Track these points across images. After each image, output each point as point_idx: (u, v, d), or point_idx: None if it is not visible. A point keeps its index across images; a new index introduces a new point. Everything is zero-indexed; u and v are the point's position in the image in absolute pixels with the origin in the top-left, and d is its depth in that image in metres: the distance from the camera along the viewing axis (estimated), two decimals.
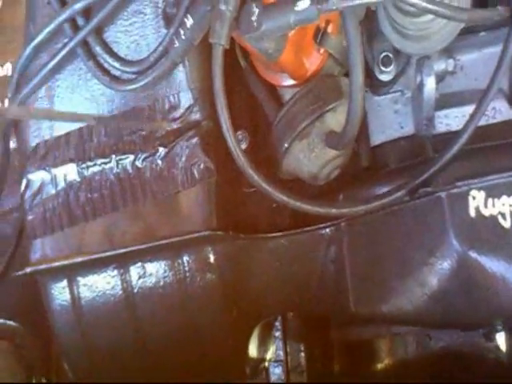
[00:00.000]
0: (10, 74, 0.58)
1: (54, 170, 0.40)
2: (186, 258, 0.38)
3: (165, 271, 0.39)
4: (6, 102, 0.57)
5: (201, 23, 0.38)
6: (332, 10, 0.33)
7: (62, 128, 0.41)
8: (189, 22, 0.38)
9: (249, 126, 0.45)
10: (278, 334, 0.51)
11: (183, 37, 0.38)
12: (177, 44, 0.38)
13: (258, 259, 0.40)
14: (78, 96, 0.41)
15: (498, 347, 0.57)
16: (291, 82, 0.42)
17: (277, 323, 0.49)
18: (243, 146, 0.44)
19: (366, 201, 0.37)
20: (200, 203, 0.38)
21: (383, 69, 0.45)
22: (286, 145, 0.39)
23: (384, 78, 0.45)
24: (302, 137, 0.39)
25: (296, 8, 0.34)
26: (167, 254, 0.38)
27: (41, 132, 0.41)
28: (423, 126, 0.44)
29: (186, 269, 0.38)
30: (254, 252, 0.40)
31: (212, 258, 0.38)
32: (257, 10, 0.35)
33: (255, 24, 0.35)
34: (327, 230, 0.40)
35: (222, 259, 0.39)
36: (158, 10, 0.40)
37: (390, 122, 0.46)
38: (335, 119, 0.39)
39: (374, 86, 0.46)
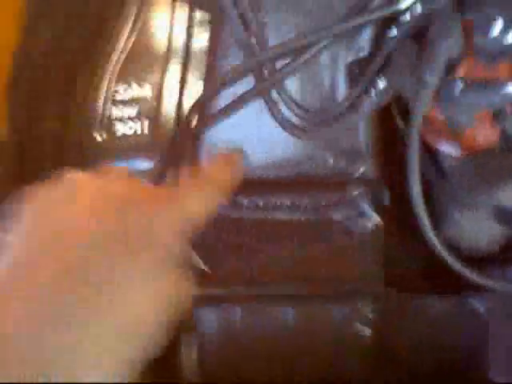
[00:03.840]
0: (149, 94, 0.61)
1: None
2: (345, 310, 0.39)
3: (323, 319, 0.39)
4: (146, 122, 0.60)
5: (393, 86, 0.39)
6: None
7: None
8: (382, 83, 0.39)
9: (394, 184, 0.46)
10: None
11: (373, 97, 0.40)
12: (367, 102, 0.40)
13: (407, 321, 0.41)
14: (252, 137, 0.43)
15: None
16: (458, 151, 0.43)
17: None
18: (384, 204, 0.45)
19: None
20: (368, 259, 0.39)
21: None
22: (454, 213, 0.40)
23: None
24: (472, 208, 0.40)
25: (504, 90, 0.35)
26: (328, 303, 0.39)
27: None
28: None
29: (344, 320, 0.39)
30: (407, 311, 0.40)
31: (370, 313, 0.39)
32: (460, 84, 0.36)
33: (457, 97, 0.36)
34: (478, 303, 0.40)
35: (379, 315, 0.39)
36: (343, 67, 0.42)
37: None
38: (506, 195, 0.40)
39: None
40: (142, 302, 0.25)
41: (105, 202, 0.27)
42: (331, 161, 0.42)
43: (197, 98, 0.44)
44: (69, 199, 0.27)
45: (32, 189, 0.27)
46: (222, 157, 0.38)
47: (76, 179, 0.29)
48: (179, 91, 0.59)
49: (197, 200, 0.30)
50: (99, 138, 0.59)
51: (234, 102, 0.42)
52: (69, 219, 0.26)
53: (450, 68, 0.37)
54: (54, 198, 0.27)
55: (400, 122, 0.44)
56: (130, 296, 0.24)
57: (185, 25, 0.63)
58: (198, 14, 0.63)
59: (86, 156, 0.59)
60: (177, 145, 0.46)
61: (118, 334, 0.24)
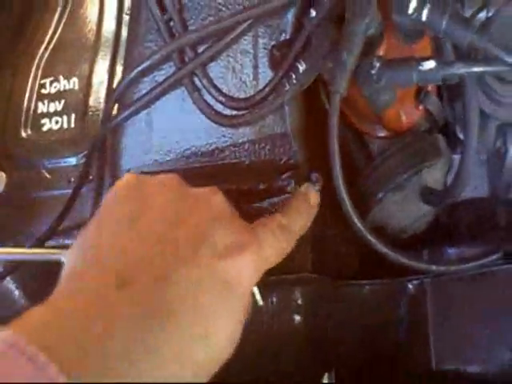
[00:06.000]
0: (76, 87, 0.58)
1: None
2: (275, 297, 0.38)
3: (253, 308, 0.38)
4: (73, 116, 0.58)
5: (313, 69, 0.39)
6: (456, 75, 0.35)
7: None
8: (301, 67, 0.39)
9: (322, 168, 0.45)
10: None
11: (294, 80, 0.39)
12: (287, 87, 0.39)
13: (339, 305, 0.40)
14: (176, 125, 0.41)
15: None
16: (383, 133, 0.43)
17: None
18: (316, 188, 0.45)
19: (459, 260, 0.38)
20: (296, 245, 0.38)
21: None
22: (380, 195, 0.40)
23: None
24: (398, 189, 0.40)
25: (420, 67, 0.35)
26: None
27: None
28: (501, 191, 0.45)
29: (275, 307, 0.38)
30: (337, 297, 0.40)
31: (300, 300, 0.38)
32: (378, 64, 0.36)
33: (375, 77, 0.36)
34: (410, 284, 0.40)
35: (309, 302, 0.38)
36: (265, 52, 0.41)
37: None
38: (432, 176, 0.40)
39: (453, 146, 0.47)
40: (221, 333, 0.27)
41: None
42: (257, 147, 0.41)
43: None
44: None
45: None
46: (298, 199, 0.37)
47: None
48: (108, 82, 0.57)
49: (275, 249, 0.32)
50: (24, 135, 0.57)
51: (154, 89, 0.41)
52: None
53: (369, 47, 0.37)
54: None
55: (327, 104, 0.44)
56: (213, 323, 0.27)
57: (114, 14, 0.61)
58: (128, 2, 0.61)
59: (12, 154, 0.57)
60: (98, 137, 0.44)
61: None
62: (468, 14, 0.41)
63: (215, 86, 0.40)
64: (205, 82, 0.40)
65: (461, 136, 0.46)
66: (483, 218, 0.44)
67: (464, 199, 0.46)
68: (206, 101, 0.41)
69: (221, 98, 0.40)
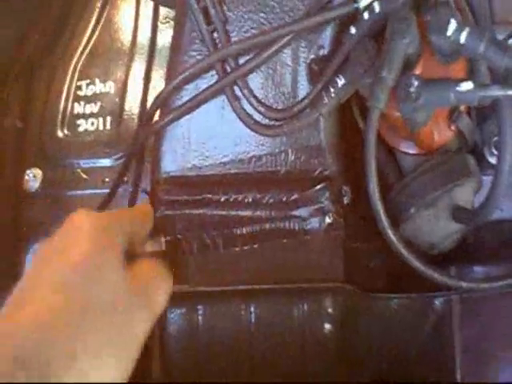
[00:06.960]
0: (112, 91, 0.60)
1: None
2: (306, 305, 0.39)
3: (285, 314, 0.39)
4: (108, 118, 0.59)
5: (352, 84, 0.40)
6: (492, 97, 0.36)
7: None
8: (340, 81, 0.40)
9: (353, 181, 0.46)
10: None
11: (333, 94, 0.40)
12: (326, 100, 0.40)
13: (367, 316, 0.41)
14: (216, 132, 0.43)
15: None
16: (414, 150, 0.44)
17: None
18: (345, 201, 0.46)
19: (486, 279, 0.38)
20: (328, 254, 0.39)
21: (494, 151, 0.47)
22: (412, 211, 0.41)
23: (493, 160, 0.47)
24: (429, 206, 0.41)
25: (458, 88, 0.36)
26: (289, 299, 0.39)
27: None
28: None
29: (306, 315, 0.39)
30: (365, 308, 0.41)
31: (331, 309, 0.39)
32: (416, 82, 0.37)
33: (413, 95, 0.37)
34: (437, 300, 0.41)
35: (340, 311, 0.39)
36: (304, 65, 0.42)
37: None
38: (462, 194, 0.41)
39: (481, 167, 0.48)
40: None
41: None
42: (292, 157, 0.42)
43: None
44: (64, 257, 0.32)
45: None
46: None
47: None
48: (143, 88, 0.58)
49: (165, 297, 0.34)
50: (61, 134, 0.58)
51: (195, 97, 0.42)
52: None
53: (408, 66, 0.38)
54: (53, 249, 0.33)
55: (360, 120, 0.45)
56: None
57: (150, 21, 0.63)
58: (163, 11, 0.63)
59: (48, 153, 0.58)
60: (139, 141, 0.45)
61: None
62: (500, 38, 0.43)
63: (255, 96, 0.42)
64: (245, 91, 0.42)
65: (488, 157, 0.48)
66: (508, 238, 0.45)
67: (490, 220, 0.47)
68: (245, 110, 0.42)
69: (260, 108, 0.42)
